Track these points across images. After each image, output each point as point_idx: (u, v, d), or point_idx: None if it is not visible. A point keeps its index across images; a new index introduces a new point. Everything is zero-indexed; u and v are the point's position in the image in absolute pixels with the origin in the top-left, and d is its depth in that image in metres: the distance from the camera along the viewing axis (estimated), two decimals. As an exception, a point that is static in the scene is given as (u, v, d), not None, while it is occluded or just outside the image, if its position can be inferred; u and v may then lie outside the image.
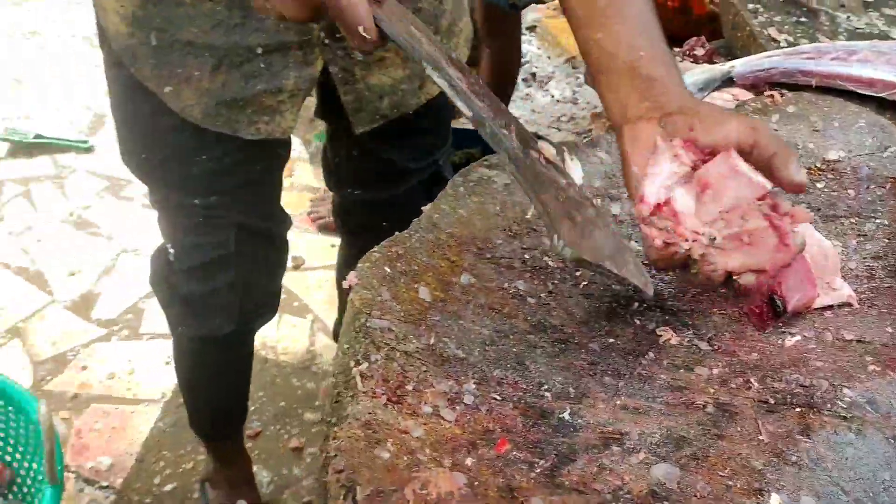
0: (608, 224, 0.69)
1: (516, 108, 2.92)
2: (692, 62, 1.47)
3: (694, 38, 1.52)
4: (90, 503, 1.72)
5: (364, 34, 0.63)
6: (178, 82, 0.94)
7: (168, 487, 1.68)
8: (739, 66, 1.25)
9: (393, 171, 1.24)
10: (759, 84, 1.23)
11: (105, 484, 1.75)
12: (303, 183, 2.60)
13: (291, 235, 1.30)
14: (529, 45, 3.25)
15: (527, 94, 2.99)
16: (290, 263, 1.45)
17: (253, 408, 1.82)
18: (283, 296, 1.37)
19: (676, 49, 1.56)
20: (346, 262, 1.52)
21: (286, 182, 1.35)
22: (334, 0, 0.62)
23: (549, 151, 0.69)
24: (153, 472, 1.72)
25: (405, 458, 0.60)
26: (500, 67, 2.32)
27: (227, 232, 1.13)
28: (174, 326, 1.29)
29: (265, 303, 1.30)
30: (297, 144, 2.76)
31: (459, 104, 0.66)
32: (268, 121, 0.98)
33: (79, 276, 2.20)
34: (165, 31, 0.91)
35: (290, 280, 1.97)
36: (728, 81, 1.26)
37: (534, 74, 3.07)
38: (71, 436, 1.85)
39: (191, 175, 1.06)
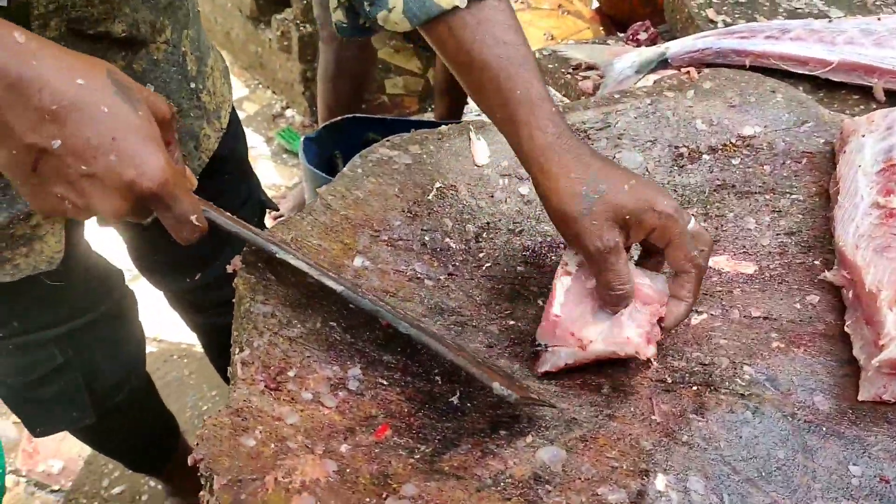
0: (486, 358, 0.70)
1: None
2: (635, 47, 1.45)
3: (638, 23, 1.50)
4: (39, 506, 1.69)
5: (196, 223, 0.58)
6: None
7: (116, 490, 1.65)
8: (674, 47, 1.23)
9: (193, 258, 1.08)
10: (693, 65, 1.21)
11: (56, 487, 1.72)
12: (266, 181, 2.57)
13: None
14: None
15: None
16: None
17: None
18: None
19: (621, 34, 1.54)
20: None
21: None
22: (165, 191, 0.55)
23: None
24: (102, 474, 1.69)
25: (273, 446, 0.58)
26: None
27: (47, 348, 1.01)
28: (32, 428, 1.15)
29: (119, 380, 1.16)
30: (259, 142, 2.73)
31: (328, 282, 0.64)
32: (26, 252, 0.82)
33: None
34: None
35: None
36: (663, 63, 1.24)
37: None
38: (23, 440, 1.81)
39: None
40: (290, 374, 0.65)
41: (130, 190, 0.53)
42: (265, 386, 0.63)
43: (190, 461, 0.56)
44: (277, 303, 0.68)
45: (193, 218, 0.58)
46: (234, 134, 1.05)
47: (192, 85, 0.89)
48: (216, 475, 0.54)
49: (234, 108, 1.06)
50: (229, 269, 0.70)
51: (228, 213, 0.66)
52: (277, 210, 1.37)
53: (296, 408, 0.62)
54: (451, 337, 0.71)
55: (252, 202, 1.17)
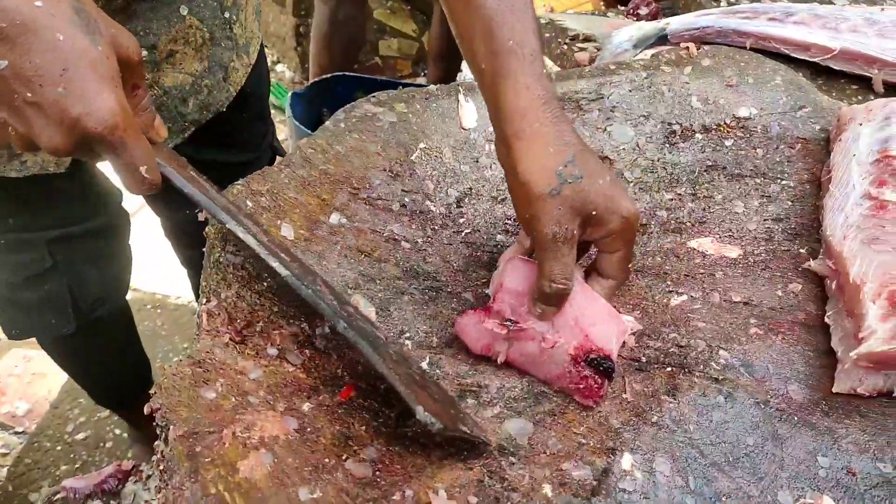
0: (430, 376, 0.64)
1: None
2: (636, 21, 1.42)
3: (640, -3, 1.47)
4: (2, 447, 1.67)
5: (146, 175, 0.54)
6: None
7: (80, 435, 1.64)
8: (674, 24, 1.20)
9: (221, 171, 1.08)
10: (693, 43, 1.19)
11: (20, 429, 1.70)
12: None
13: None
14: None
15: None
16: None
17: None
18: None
19: (621, 7, 1.51)
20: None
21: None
22: (113, 135, 0.51)
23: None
24: (67, 419, 1.67)
25: (233, 400, 0.56)
26: None
27: (39, 249, 1.00)
28: (9, 330, 1.14)
29: (103, 294, 1.16)
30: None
31: (273, 263, 0.58)
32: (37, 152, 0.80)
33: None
34: None
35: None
36: (662, 40, 1.22)
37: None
38: (-9, 380, 1.80)
39: None
40: (257, 328, 0.63)
41: (75, 127, 0.50)
42: (230, 339, 0.61)
43: (146, 409, 0.54)
44: (249, 254, 0.66)
45: (143, 169, 0.53)
46: (259, 73, 1.04)
47: (227, 15, 0.87)
48: (172, 425, 0.53)
49: (262, 48, 1.05)
50: (200, 217, 0.67)
51: (193, 174, 0.60)
52: None
53: (260, 363, 0.61)
54: (397, 343, 0.66)
55: (265, 144, 1.17)
